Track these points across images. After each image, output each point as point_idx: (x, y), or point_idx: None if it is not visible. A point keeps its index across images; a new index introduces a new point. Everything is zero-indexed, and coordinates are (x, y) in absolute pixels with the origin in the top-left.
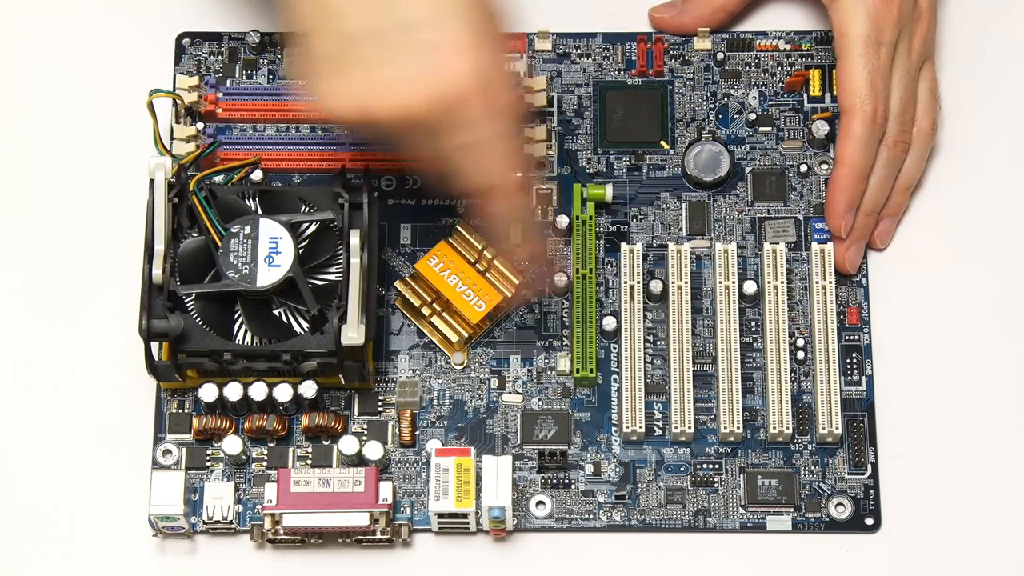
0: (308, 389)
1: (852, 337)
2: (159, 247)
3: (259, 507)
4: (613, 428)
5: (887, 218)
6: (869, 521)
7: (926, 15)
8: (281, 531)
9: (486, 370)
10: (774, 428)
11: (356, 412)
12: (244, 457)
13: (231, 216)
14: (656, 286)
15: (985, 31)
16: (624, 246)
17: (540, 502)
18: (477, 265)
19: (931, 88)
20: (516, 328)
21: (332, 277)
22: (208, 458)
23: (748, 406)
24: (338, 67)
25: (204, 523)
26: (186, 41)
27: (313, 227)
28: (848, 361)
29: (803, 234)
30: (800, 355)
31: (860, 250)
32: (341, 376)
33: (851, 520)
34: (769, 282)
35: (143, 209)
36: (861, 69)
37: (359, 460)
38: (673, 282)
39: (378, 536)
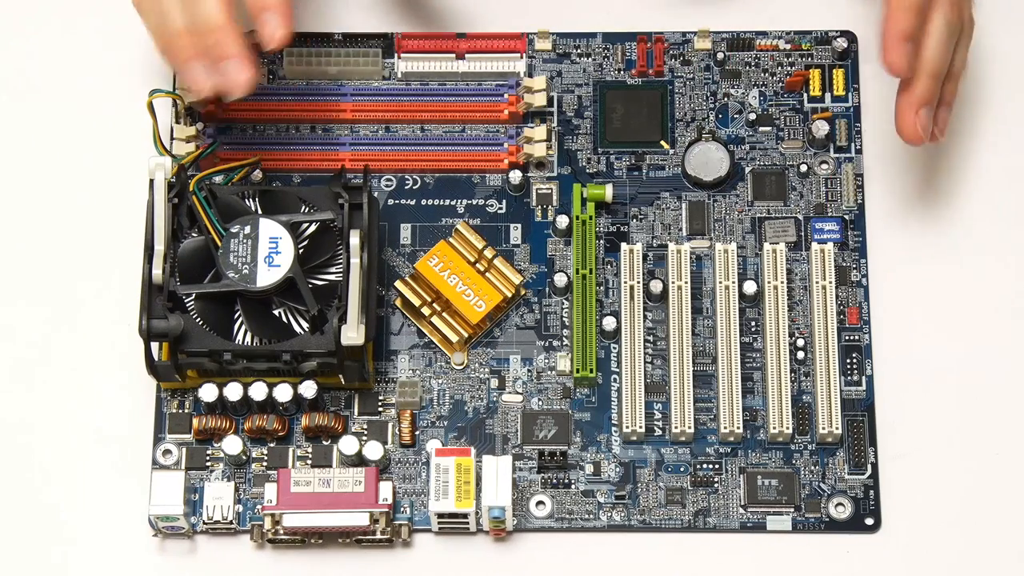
0: (308, 389)
1: (852, 337)
2: (159, 247)
3: (259, 507)
4: (613, 428)
5: (943, 106)
6: (869, 521)
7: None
8: (281, 531)
9: (486, 370)
10: (774, 428)
11: (356, 412)
12: (244, 457)
13: (231, 216)
14: (656, 286)
15: (982, 32)
16: (624, 246)
17: (540, 502)
18: (477, 265)
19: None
20: (516, 328)
21: (332, 277)
22: (208, 458)
23: (748, 406)
24: None
25: (204, 523)
26: None
27: (313, 227)
28: (848, 361)
29: (803, 234)
30: (800, 355)
31: (930, 114)
32: (341, 376)
33: (851, 520)
34: (769, 282)
35: (143, 209)
36: None
37: (359, 460)
38: (673, 282)
39: (378, 536)
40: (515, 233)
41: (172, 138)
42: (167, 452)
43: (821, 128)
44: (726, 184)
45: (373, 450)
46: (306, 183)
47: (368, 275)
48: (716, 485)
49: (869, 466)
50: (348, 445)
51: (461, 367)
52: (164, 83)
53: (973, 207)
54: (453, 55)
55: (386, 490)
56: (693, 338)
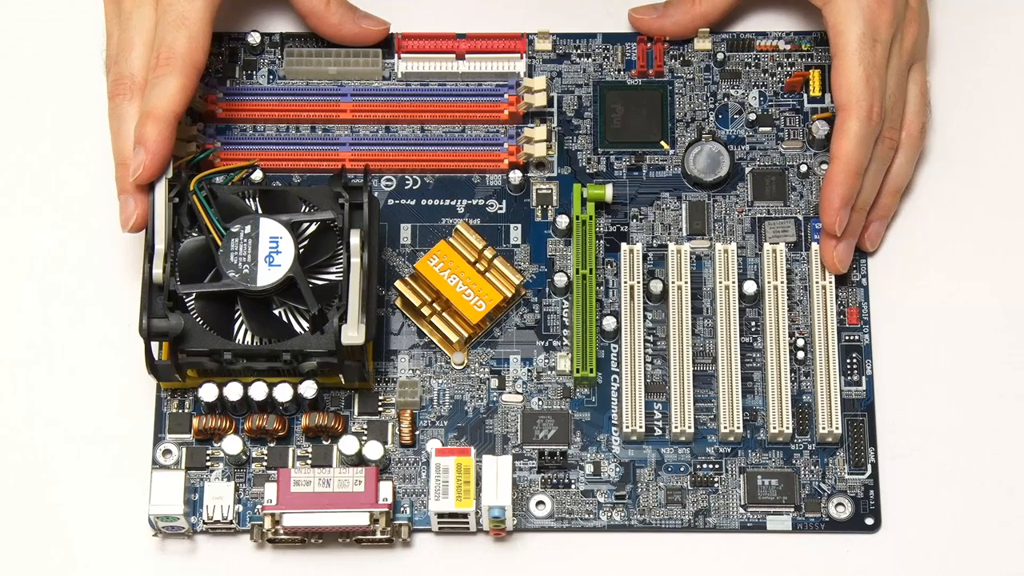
0: (308, 389)
1: (852, 337)
2: (159, 247)
3: (259, 507)
4: (613, 428)
5: (877, 220)
6: (869, 521)
7: (917, 17)
8: (281, 531)
9: (486, 370)
10: (774, 428)
11: (356, 412)
12: (244, 457)
13: (231, 216)
14: (656, 286)
15: (977, 35)
16: (624, 246)
17: (540, 502)
18: (477, 265)
19: (921, 91)
20: (516, 328)
21: (332, 277)
22: (208, 458)
23: (748, 406)
24: None
25: (204, 523)
26: None
27: (313, 227)
28: (848, 361)
29: (803, 234)
30: (800, 355)
31: (849, 249)
32: (341, 376)
33: (851, 520)
34: (769, 282)
35: None
36: (857, 66)
37: (359, 460)
38: (673, 282)
39: (378, 536)
40: (515, 233)
41: None
42: (167, 452)
43: (821, 128)
44: (726, 184)
45: (373, 450)
46: (306, 183)
47: (368, 275)
48: (716, 485)
49: (869, 466)
50: (348, 445)
51: (461, 367)
52: None
53: (973, 206)
54: (453, 55)
55: (386, 490)
56: (693, 338)
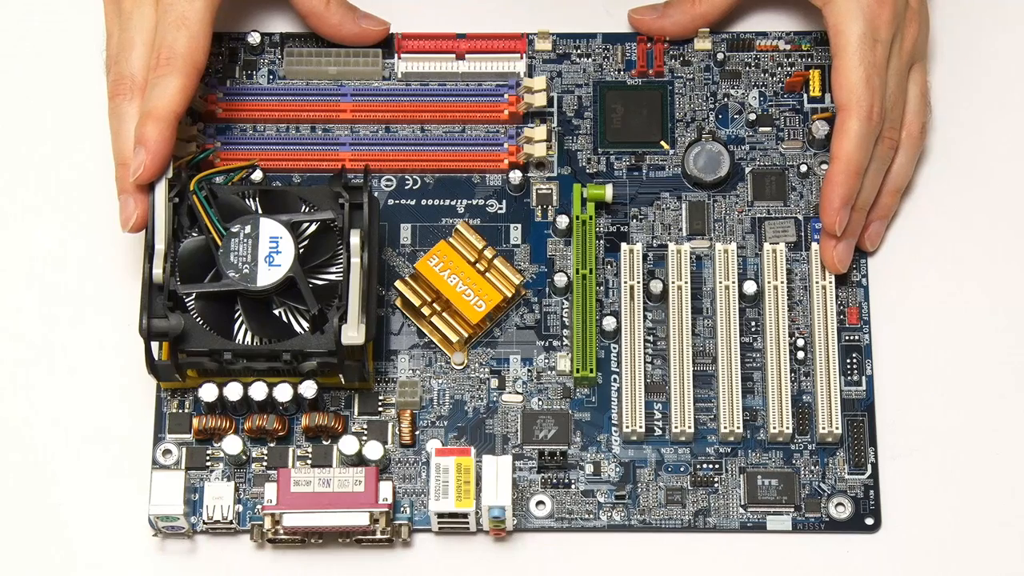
0: (308, 389)
1: (852, 337)
2: (159, 247)
3: (259, 507)
4: (613, 428)
5: (877, 220)
6: (869, 521)
7: (917, 17)
8: (281, 531)
9: (486, 370)
10: (774, 428)
11: (356, 412)
12: (244, 457)
13: (231, 216)
14: (656, 286)
15: (977, 35)
16: (624, 246)
17: (540, 502)
18: (477, 265)
19: (921, 91)
20: (516, 328)
21: (332, 277)
22: (208, 458)
23: (748, 406)
24: None
25: (204, 523)
26: None
27: (313, 227)
28: (848, 361)
29: (803, 234)
30: (800, 355)
31: (849, 249)
32: (341, 376)
33: (851, 520)
34: (769, 282)
35: None
36: (857, 66)
37: (359, 460)
38: (673, 282)
39: (378, 536)
40: (515, 233)
41: None
42: (167, 452)
43: (821, 128)
44: (726, 184)
45: (373, 450)
46: (306, 183)
47: (368, 275)
48: (716, 485)
49: (869, 466)
50: (348, 445)
51: (461, 367)
52: None
53: (973, 206)
54: (453, 55)
55: (386, 490)
56: (693, 338)
